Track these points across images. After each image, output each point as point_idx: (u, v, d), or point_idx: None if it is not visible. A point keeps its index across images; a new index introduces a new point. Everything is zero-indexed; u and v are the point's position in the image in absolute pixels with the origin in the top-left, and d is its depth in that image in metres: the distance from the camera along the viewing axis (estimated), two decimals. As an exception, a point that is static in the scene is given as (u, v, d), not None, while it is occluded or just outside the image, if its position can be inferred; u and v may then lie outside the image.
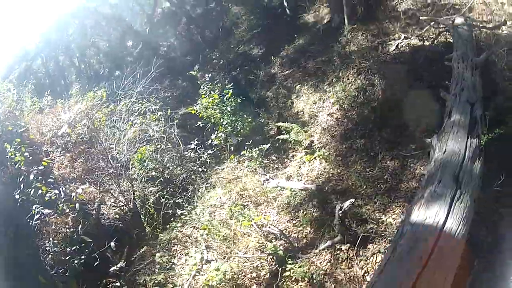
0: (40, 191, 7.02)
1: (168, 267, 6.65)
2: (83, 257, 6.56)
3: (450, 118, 6.29)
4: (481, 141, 5.80)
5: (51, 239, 6.98)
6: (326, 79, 9.68)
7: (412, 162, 7.09)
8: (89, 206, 7.75)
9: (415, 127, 7.55)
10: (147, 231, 7.88)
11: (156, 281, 6.34)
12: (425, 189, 5.07)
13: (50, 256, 6.77)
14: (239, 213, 7.05)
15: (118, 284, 6.38)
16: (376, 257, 5.81)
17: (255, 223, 6.84)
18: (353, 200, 5.90)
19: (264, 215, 7.12)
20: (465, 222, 4.50)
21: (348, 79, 9.24)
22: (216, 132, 9.35)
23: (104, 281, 6.49)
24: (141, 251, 7.26)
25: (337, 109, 8.79)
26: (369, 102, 8.52)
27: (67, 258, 6.59)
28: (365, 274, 5.73)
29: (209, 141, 9.55)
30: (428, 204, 4.69)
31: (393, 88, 8.43)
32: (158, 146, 9.45)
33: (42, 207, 6.95)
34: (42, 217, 7.07)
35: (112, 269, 6.65)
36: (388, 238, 5.94)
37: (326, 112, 9.01)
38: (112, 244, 6.87)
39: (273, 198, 7.48)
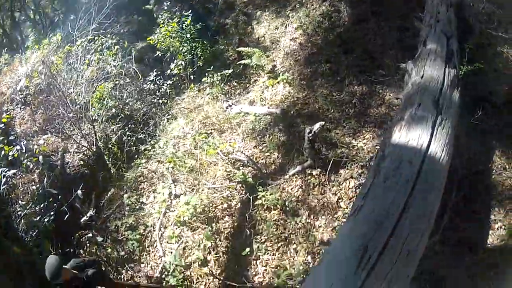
0: (3, 152, 6.18)
1: (137, 207, 5.91)
2: (52, 213, 5.70)
3: (426, 46, 5.67)
4: (460, 72, 5.23)
5: (19, 201, 6.03)
6: (289, 4, 8.57)
7: (381, 88, 6.42)
8: (53, 157, 6.83)
9: (383, 54, 6.77)
10: (112, 172, 6.91)
11: (127, 225, 5.62)
12: (405, 112, 4.58)
13: (22, 221, 5.82)
14: (203, 142, 6.31)
15: (90, 234, 5.54)
16: (349, 183, 5.25)
17: (221, 151, 6.08)
18: (323, 122, 5.19)
19: (229, 142, 6.32)
20: (448, 148, 4.05)
21: (312, 5, 8.23)
22: (175, 61, 8.26)
23: (76, 234, 5.65)
24: (108, 195, 6.39)
25: (300, 34, 7.82)
26: (334, 28, 7.61)
27: (38, 218, 5.72)
28: (339, 200, 5.17)
29: (168, 71, 8.42)
30: (410, 126, 4.20)
31: (360, 15, 7.54)
32: (117, 82, 8.31)
33: (7, 169, 6.12)
34: (9, 180, 6.15)
35: (82, 220, 5.76)
36: (360, 163, 5.35)
37: (288, 37, 8.01)
38: (79, 192, 5.96)
39: (237, 124, 6.67)
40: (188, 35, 8.24)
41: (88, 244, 5.56)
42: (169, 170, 6.15)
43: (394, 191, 3.45)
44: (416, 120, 4.26)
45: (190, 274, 4.94)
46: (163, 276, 5.00)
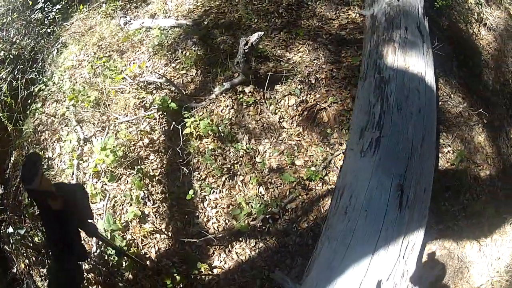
0: None
1: (45, 166, 3.82)
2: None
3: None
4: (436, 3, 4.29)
5: None
6: None
7: (310, 0, 4.62)
8: None
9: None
10: (9, 130, 4.54)
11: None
12: (390, 33, 3.47)
13: None
14: (104, 67, 4.24)
15: (3, 216, 3.61)
16: (289, 100, 3.69)
17: (126, 75, 4.12)
18: (261, 33, 3.40)
19: (135, 63, 4.31)
20: (435, 79, 3.17)
21: None
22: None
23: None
24: (12, 161, 4.27)
25: None
26: None
27: None
28: (281, 120, 3.63)
29: None
30: (405, 51, 3.19)
31: None
32: (4, 21, 5.62)
33: None
34: None
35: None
36: (299, 79, 3.76)
37: None
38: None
39: (139, 41, 4.56)
40: None
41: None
42: (70, 110, 4.05)
43: (412, 122, 2.40)
44: (409, 45, 3.33)
45: (132, 236, 3.26)
46: (102, 248, 3.23)
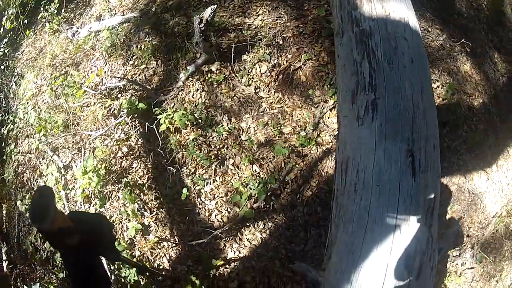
0: None
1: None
2: None
3: None
4: None
5: None
6: None
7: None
8: None
9: None
10: None
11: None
12: None
13: None
14: (63, 86, 3.95)
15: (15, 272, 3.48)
16: (260, 67, 3.35)
17: (87, 87, 3.81)
18: (214, 6, 3.02)
19: (91, 72, 3.99)
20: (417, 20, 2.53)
21: None
22: (6, 14, 5.32)
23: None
24: (4, 214, 4.06)
25: None
26: None
27: None
28: (257, 90, 3.32)
29: (2, 30, 5.40)
30: None
31: None
32: None
33: None
34: None
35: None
36: (265, 43, 3.41)
37: None
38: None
39: (91, 48, 4.22)
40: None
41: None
42: (42, 141, 3.80)
43: (407, 75, 1.98)
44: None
45: (140, 251, 3.07)
46: (116, 272, 3.05)
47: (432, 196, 1.69)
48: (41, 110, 4.11)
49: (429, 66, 2.19)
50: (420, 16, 3.70)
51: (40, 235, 3.51)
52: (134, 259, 3.04)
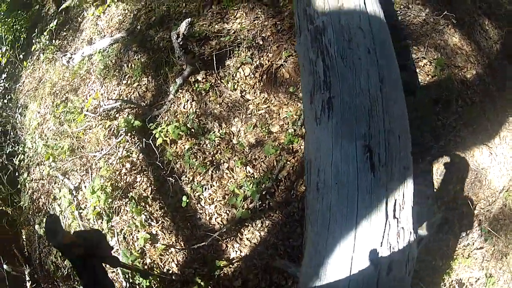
0: None
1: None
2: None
3: None
4: None
5: None
6: None
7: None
8: None
9: None
10: (10, 213, 4.54)
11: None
12: None
13: None
14: (65, 113, 4.18)
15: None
16: (244, 70, 3.46)
17: (87, 111, 4.01)
18: (188, 19, 3.14)
19: (89, 96, 4.19)
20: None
21: None
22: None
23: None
24: (24, 239, 4.35)
25: None
26: None
27: None
28: (243, 94, 3.43)
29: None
30: None
31: None
32: None
33: None
34: None
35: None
36: (246, 45, 3.51)
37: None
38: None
39: (86, 72, 4.41)
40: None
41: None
42: (52, 167, 4.04)
43: (363, 68, 1.92)
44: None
45: (150, 259, 3.25)
46: (131, 280, 3.26)
47: (400, 188, 1.72)
48: (47, 138, 4.32)
49: (392, 50, 2.16)
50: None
51: (58, 251, 3.73)
52: (145, 267, 3.20)
